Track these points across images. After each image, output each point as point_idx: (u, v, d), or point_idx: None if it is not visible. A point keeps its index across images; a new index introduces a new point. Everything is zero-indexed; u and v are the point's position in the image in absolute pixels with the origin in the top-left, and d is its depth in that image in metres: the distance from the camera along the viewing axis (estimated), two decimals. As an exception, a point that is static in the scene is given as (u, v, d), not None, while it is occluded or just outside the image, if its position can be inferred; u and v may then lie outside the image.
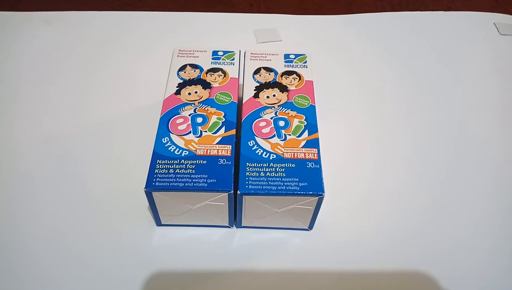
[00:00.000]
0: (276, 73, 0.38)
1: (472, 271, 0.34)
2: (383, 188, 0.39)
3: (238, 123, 0.35)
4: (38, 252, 0.33)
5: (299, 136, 0.34)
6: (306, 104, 0.36)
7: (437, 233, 0.36)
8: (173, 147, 0.33)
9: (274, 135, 0.34)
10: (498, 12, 0.58)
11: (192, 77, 0.38)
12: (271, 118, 0.35)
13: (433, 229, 0.36)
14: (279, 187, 0.31)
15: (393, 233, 0.36)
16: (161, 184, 0.30)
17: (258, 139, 0.33)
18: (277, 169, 0.32)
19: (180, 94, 0.36)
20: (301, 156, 0.32)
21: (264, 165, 0.32)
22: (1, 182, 0.37)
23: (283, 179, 0.31)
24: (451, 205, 0.38)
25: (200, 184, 0.30)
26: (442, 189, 0.39)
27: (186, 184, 0.30)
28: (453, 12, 0.58)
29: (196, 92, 0.36)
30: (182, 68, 0.38)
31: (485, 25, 0.56)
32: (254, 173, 0.31)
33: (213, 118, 0.34)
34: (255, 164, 0.32)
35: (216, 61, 0.39)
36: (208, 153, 0.32)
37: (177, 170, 0.31)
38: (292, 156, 0.32)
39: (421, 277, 0.33)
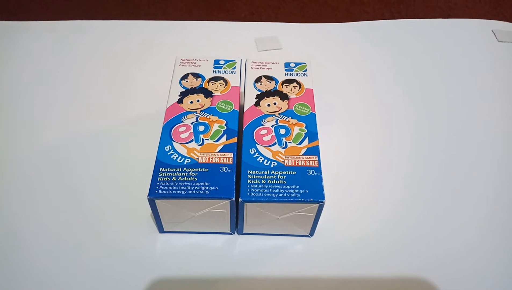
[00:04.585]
0: (276, 81, 0.39)
1: (472, 275, 0.34)
2: (383, 194, 0.39)
3: (240, 131, 0.36)
4: (41, 260, 0.34)
5: (300, 143, 0.34)
6: (307, 112, 0.36)
7: (437, 237, 0.36)
8: (175, 155, 0.33)
9: (275, 143, 0.34)
10: (496, 19, 0.58)
11: (194, 86, 0.38)
12: (272, 126, 0.35)
13: (433, 234, 0.36)
14: (280, 194, 0.31)
15: (393, 238, 0.36)
16: (164, 191, 0.31)
17: (259, 147, 0.34)
18: (278, 176, 0.32)
19: (182, 103, 0.37)
20: (302, 163, 0.33)
21: (265, 172, 0.32)
22: (4, 191, 0.38)
23: (284, 187, 0.31)
24: (451, 210, 0.38)
25: (202, 192, 0.31)
26: (442, 195, 0.39)
27: (189, 192, 0.31)
28: (452, 19, 0.58)
29: (198, 101, 0.37)
30: (184, 77, 0.39)
31: (483, 32, 0.56)
32: (256, 180, 0.32)
33: (215, 126, 0.35)
34: (257, 171, 0.32)
35: (218, 70, 0.40)
36: (210, 161, 0.33)
37: (180, 178, 0.32)
38: (293, 164, 0.33)
39: (422, 282, 0.33)
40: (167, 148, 0.33)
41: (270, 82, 0.39)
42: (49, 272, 0.33)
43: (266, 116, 0.36)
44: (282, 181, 0.32)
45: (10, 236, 0.35)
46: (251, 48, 0.53)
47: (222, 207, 0.32)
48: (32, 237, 0.35)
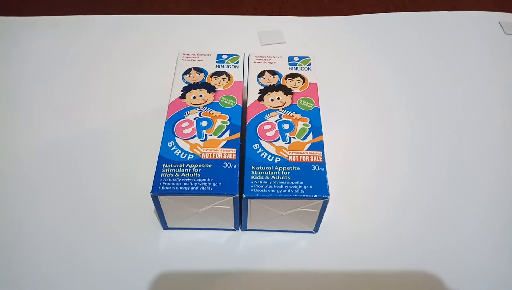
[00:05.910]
0: (280, 76, 0.38)
1: (477, 270, 0.34)
2: (387, 189, 0.39)
3: (243, 126, 0.35)
4: (44, 257, 0.34)
5: (304, 139, 0.34)
6: (311, 106, 0.36)
7: (441, 232, 0.36)
8: (178, 151, 0.33)
9: (278, 138, 0.34)
10: (503, 11, 0.58)
11: (196, 81, 0.38)
12: (276, 121, 0.35)
13: (437, 229, 0.36)
14: (284, 191, 0.31)
15: (398, 234, 0.36)
16: (167, 188, 0.31)
17: (263, 142, 0.34)
18: (282, 172, 0.32)
19: (185, 98, 0.36)
20: (306, 159, 0.33)
21: (269, 168, 0.32)
22: (5, 190, 0.38)
23: (288, 182, 0.31)
24: (454, 205, 0.38)
25: (205, 188, 0.31)
26: (445, 190, 0.39)
27: (192, 188, 0.31)
28: (458, 11, 0.58)
29: (200, 96, 0.37)
30: (187, 72, 0.39)
31: (490, 24, 0.55)
32: (259, 176, 0.31)
33: (218, 122, 0.35)
34: (260, 167, 0.32)
35: (221, 64, 0.39)
36: (213, 156, 0.32)
37: (183, 174, 0.31)
38: (297, 159, 0.32)
39: (426, 277, 0.33)
40: (170, 144, 0.33)
41: (273, 77, 0.38)
42: (52, 269, 0.33)
43: (269, 111, 0.36)
44: (286, 177, 0.31)
45: (11, 236, 0.35)
46: (255, 42, 0.53)
47: (226, 204, 0.32)
48: (33, 236, 0.35)
